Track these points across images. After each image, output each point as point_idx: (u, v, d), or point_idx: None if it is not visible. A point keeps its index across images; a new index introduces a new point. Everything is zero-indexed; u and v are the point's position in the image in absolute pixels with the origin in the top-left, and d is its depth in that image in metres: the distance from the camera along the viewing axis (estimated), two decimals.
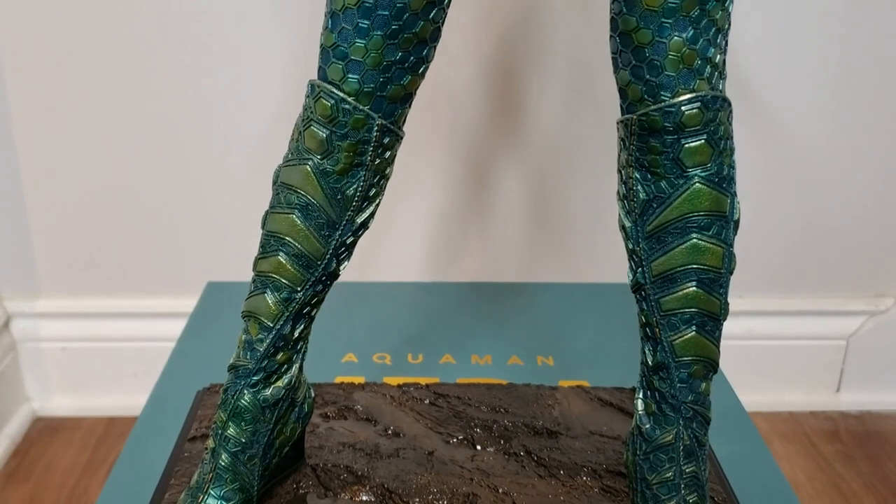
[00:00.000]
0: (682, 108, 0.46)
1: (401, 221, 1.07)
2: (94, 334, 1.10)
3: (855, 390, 1.18)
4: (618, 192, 0.53)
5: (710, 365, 0.52)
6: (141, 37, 0.96)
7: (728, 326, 1.05)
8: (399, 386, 0.72)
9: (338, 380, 0.76)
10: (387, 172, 0.53)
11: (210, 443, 0.55)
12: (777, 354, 1.16)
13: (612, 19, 0.48)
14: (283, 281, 0.52)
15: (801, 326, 1.16)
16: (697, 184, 0.48)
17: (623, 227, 0.52)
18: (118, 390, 1.11)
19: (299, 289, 0.52)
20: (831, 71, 1.01)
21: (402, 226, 1.07)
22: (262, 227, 0.53)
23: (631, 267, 0.53)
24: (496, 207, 1.07)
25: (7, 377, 1.08)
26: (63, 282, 1.09)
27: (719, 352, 0.53)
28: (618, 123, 0.51)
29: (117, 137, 1.01)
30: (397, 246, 1.08)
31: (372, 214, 0.53)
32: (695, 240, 0.49)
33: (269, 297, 0.52)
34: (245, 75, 0.99)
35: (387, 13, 0.46)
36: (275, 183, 0.53)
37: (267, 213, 0.53)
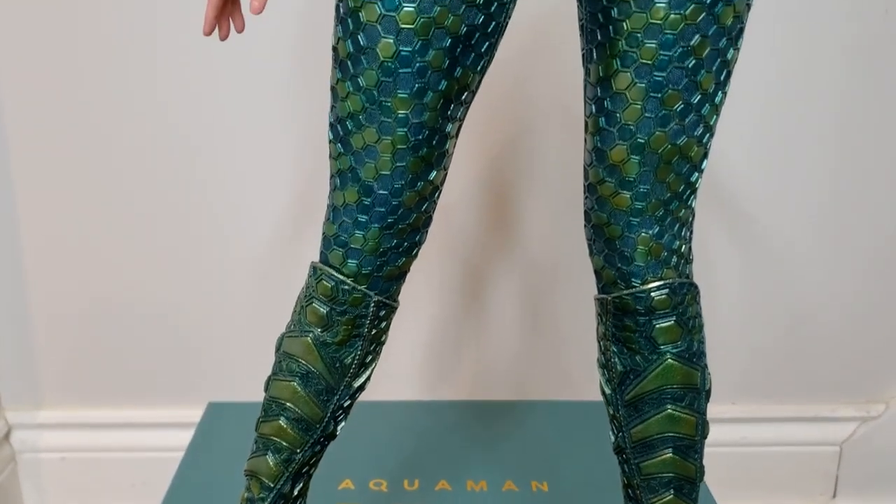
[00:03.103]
0: (652, 294, 0.51)
1: (397, 337, 1.09)
2: (93, 444, 1.11)
3: (851, 496, 1.18)
4: (598, 360, 0.56)
5: None
6: (150, 148, 0.99)
7: (722, 434, 1.05)
8: None
9: None
10: (382, 340, 0.57)
11: None
12: (772, 461, 1.17)
13: (585, 212, 0.53)
14: (284, 444, 0.55)
15: (795, 433, 1.16)
16: (669, 360, 0.52)
17: (604, 393, 0.56)
18: (116, 501, 1.11)
19: (299, 450, 0.55)
20: (817, 177, 1.03)
21: (398, 341, 1.10)
22: (265, 391, 0.56)
23: (612, 430, 0.56)
24: (491, 322, 1.10)
25: (5, 489, 1.08)
26: (64, 392, 1.10)
27: None
28: (595, 300, 0.55)
29: (121, 250, 1.03)
30: (393, 361, 1.10)
31: (368, 378, 0.57)
32: (669, 410, 0.52)
33: (271, 459, 0.55)
34: (248, 199, 1.03)
35: (383, 209, 0.51)
36: (277, 350, 0.56)
37: (269, 378, 0.56)
